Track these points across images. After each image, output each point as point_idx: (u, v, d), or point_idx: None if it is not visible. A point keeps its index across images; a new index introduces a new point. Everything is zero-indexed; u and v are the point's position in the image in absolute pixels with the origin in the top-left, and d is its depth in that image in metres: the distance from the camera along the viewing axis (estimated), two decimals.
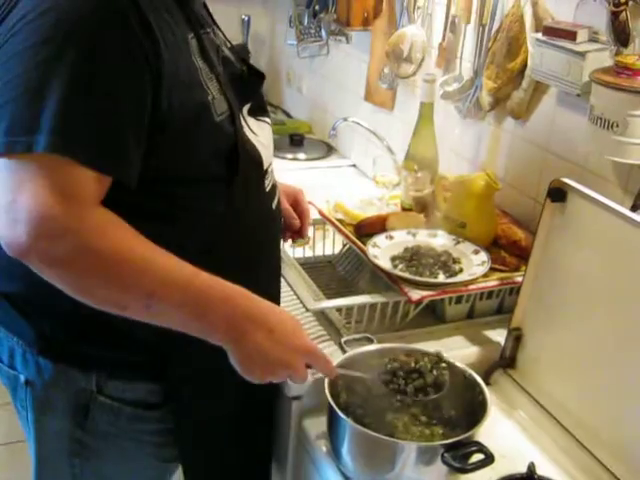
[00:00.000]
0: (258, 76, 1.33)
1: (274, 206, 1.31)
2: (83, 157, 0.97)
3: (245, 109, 1.25)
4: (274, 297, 1.35)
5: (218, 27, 1.29)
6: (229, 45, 1.30)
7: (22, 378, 1.24)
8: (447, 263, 1.51)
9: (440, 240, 1.60)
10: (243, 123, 1.21)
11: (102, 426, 1.24)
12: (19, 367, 1.24)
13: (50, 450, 1.28)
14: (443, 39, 1.91)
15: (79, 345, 1.19)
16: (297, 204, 1.55)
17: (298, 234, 1.55)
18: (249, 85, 1.29)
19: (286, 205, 1.52)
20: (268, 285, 1.33)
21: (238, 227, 1.20)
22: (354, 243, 1.63)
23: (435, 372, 1.25)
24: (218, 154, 1.15)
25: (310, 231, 1.73)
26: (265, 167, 1.25)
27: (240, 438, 1.38)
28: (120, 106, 1.00)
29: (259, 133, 1.26)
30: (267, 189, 1.27)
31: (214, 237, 1.18)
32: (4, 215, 0.96)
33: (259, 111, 1.31)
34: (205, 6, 1.27)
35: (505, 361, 1.43)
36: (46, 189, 0.95)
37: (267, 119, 1.34)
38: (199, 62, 1.12)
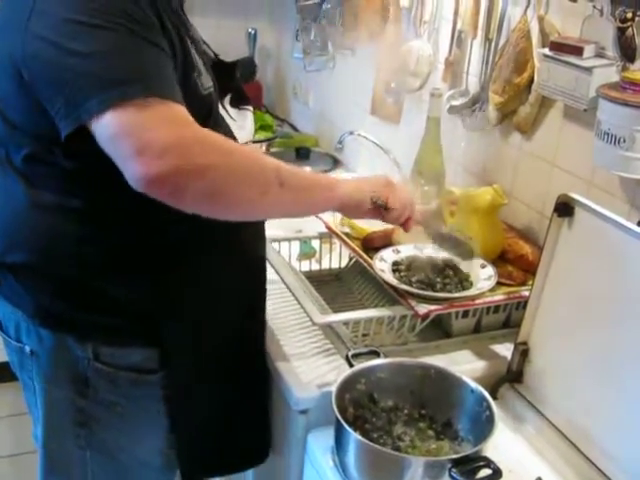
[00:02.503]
0: (231, 66, 1.44)
1: None
2: (174, 98, 1.08)
3: (226, 100, 1.35)
4: (259, 258, 1.43)
5: (194, 28, 1.37)
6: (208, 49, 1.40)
7: (27, 349, 1.31)
8: (454, 277, 1.52)
9: (447, 254, 1.59)
10: (223, 111, 1.30)
11: (102, 394, 1.29)
12: (24, 339, 1.32)
13: (56, 420, 1.33)
14: (449, 53, 1.91)
15: (76, 313, 1.25)
16: None
17: None
18: (225, 75, 1.37)
19: None
20: (254, 245, 1.41)
21: None
22: (361, 257, 1.63)
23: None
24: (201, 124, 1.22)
25: (317, 245, 1.73)
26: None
27: (235, 411, 1.41)
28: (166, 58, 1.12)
29: (238, 120, 1.35)
30: None
31: None
32: (141, 157, 1.02)
33: (241, 101, 1.42)
34: (182, 7, 1.34)
35: (512, 375, 1.43)
36: (166, 121, 1.04)
37: (249, 107, 1.44)
38: (188, 42, 1.22)
